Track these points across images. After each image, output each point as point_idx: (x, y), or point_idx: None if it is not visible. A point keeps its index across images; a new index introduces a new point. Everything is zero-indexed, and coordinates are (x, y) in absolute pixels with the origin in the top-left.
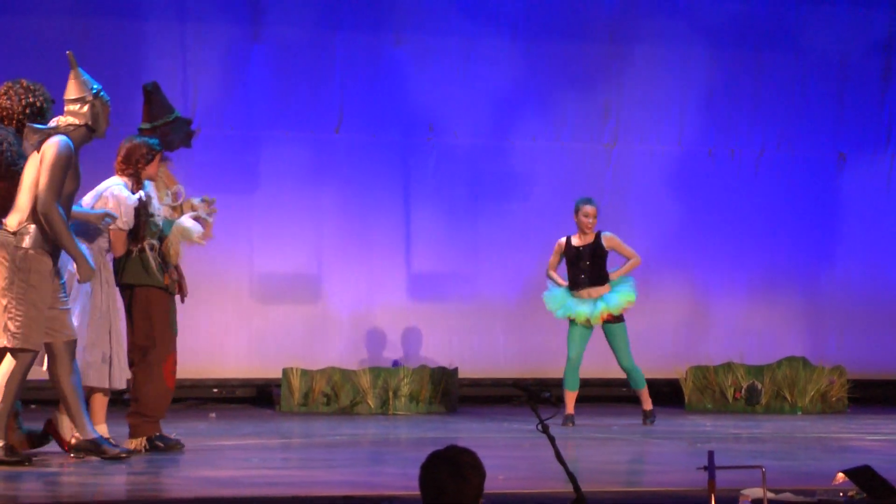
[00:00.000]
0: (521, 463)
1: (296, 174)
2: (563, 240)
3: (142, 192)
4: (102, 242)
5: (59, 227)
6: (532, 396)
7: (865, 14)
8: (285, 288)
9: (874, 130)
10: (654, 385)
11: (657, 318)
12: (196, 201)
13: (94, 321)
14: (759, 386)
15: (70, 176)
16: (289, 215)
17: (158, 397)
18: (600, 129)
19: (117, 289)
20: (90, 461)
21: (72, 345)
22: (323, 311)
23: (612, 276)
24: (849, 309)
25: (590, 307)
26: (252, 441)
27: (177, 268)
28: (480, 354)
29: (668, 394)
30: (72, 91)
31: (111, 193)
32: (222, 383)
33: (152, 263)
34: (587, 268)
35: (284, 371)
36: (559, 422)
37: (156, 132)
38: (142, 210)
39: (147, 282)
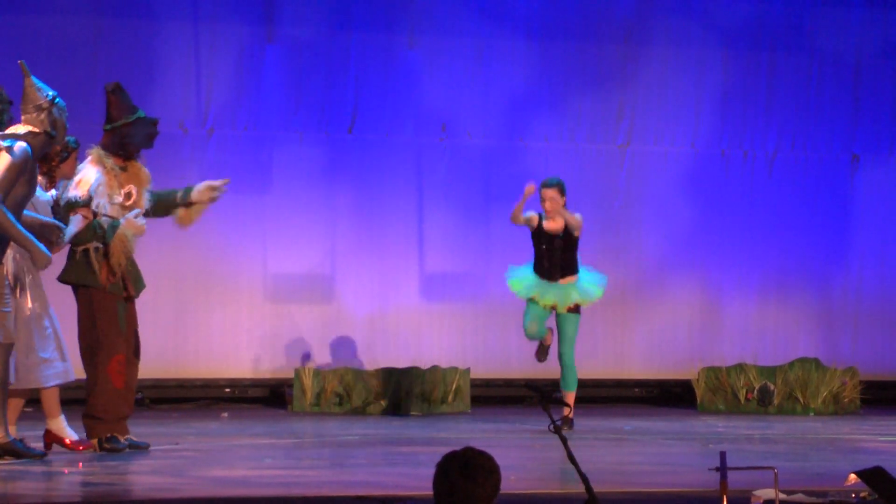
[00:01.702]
0: (533, 463)
1: (309, 175)
2: (536, 216)
3: (53, 191)
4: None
5: (6, 224)
6: (544, 397)
7: (881, 15)
8: (298, 288)
9: (888, 131)
10: (666, 386)
11: (670, 318)
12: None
13: (28, 323)
14: (772, 387)
15: (23, 181)
16: (302, 216)
17: (106, 399)
18: (614, 131)
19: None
20: (101, 460)
21: (9, 348)
22: (335, 312)
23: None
24: (862, 310)
25: (559, 293)
26: (264, 441)
27: (129, 265)
28: (493, 355)
29: (680, 394)
30: (28, 99)
31: None
32: (235, 383)
33: (95, 264)
34: (559, 258)
35: (297, 371)
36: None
37: (116, 133)
38: (56, 209)
39: (89, 282)
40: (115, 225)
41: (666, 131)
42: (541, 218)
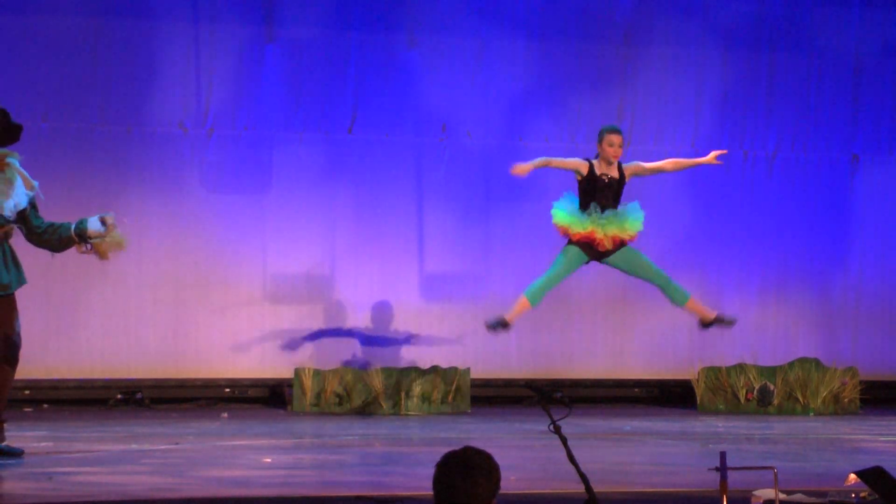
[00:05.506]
0: (533, 463)
1: (309, 174)
2: (586, 163)
3: None
4: None
5: None
6: (544, 397)
7: (881, 15)
8: (298, 288)
9: (888, 132)
10: (666, 386)
11: (669, 318)
12: None
13: None
14: (772, 387)
15: None
16: (302, 216)
17: None
18: None
19: None
20: (100, 460)
21: None
22: (335, 312)
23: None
24: (862, 310)
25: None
26: (264, 441)
27: None
28: (493, 355)
29: (680, 394)
30: None
31: None
32: (234, 383)
33: None
34: (610, 203)
35: (297, 371)
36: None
37: None
38: None
39: None
40: None
41: (666, 131)
42: (591, 165)
